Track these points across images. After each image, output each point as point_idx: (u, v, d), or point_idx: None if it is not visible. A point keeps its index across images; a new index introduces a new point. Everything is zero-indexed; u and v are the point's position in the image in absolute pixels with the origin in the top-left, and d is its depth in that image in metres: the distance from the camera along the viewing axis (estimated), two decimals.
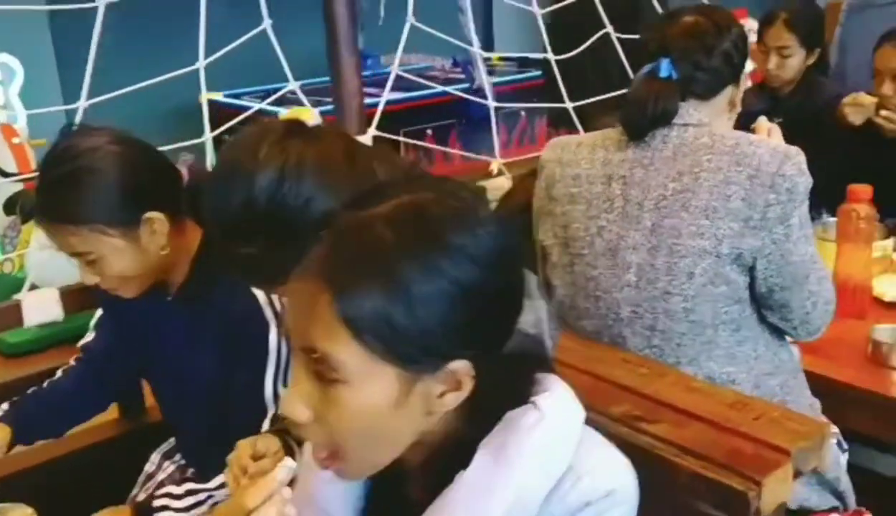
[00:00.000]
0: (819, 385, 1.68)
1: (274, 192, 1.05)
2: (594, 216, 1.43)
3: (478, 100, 3.19)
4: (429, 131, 4.23)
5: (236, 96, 4.37)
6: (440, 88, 3.62)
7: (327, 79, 2.44)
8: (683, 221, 1.34)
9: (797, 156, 1.34)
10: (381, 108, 2.74)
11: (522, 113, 4.58)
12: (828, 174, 2.16)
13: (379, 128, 3.08)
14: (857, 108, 2.32)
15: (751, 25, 2.82)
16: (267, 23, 2.45)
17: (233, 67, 2.78)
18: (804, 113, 2.59)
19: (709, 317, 1.36)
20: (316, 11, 2.35)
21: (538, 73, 4.55)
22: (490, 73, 4.71)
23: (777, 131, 1.61)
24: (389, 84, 2.91)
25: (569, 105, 2.94)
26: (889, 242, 2.10)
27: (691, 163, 1.36)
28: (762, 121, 1.64)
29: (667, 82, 1.40)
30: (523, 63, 4.93)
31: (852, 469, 1.75)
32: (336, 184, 1.05)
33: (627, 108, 1.42)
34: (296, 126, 1.11)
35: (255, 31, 2.46)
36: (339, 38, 2.26)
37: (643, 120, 1.40)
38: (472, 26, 4.01)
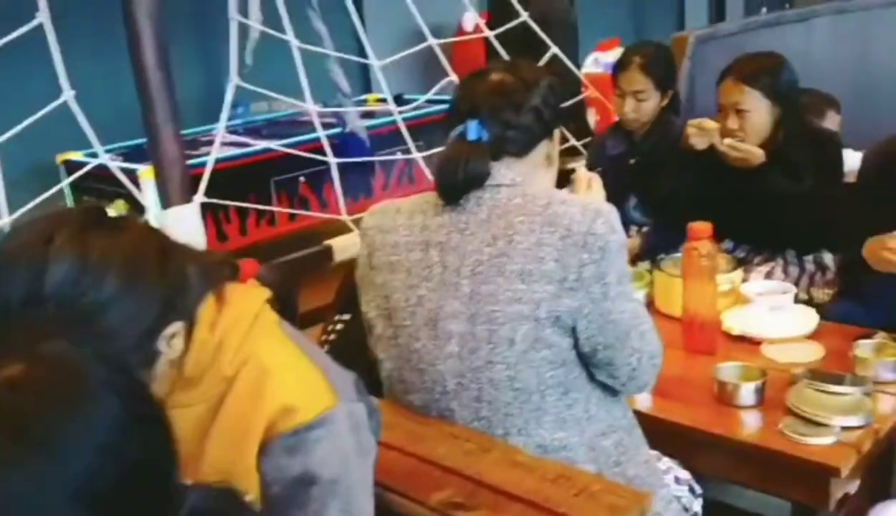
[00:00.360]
0: (667, 429, 1.67)
1: (69, 289, 0.90)
2: (414, 285, 1.37)
3: (319, 157, 3.19)
4: (301, 178, 4.15)
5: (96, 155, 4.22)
6: (306, 136, 3.62)
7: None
8: (500, 287, 1.30)
9: (609, 213, 1.32)
10: (209, 168, 2.65)
11: (399, 154, 4.59)
12: (688, 207, 2.19)
13: (248, 178, 2.94)
14: (701, 132, 2.34)
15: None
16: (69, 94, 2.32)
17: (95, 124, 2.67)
18: (659, 153, 2.63)
19: (534, 384, 1.31)
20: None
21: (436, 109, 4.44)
22: (370, 115, 4.66)
23: (597, 180, 1.59)
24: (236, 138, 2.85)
25: (417, 156, 2.95)
26: (736, 274, 2.12)
27: (505, 225, 1.32)
28: (581, 171, 1.61)
29: (476, 144, 1.35)
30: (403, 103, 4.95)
31: (715, 506, 1.75)
32: (144, 287, 0.95)
33: (439, 171, 1.38)
34: (96, 215, 0.98)
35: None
36: (154, 105, 2.10)
37: (455, 183, 1.35)
38: (338, 70, 3.97)
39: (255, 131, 4.63)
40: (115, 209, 3.63)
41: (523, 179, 1.38)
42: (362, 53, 3.77)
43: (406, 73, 5.93)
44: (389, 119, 4.43)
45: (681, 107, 2.94)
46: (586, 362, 1.35)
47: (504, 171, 1.37)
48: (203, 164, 2.92)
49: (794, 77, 2.31)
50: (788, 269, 2.37)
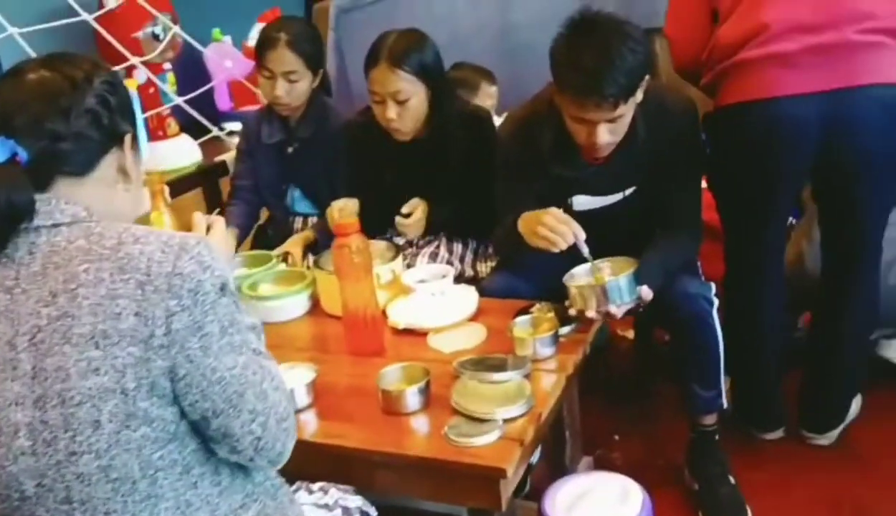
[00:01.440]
0: (335, 454, 1.49)
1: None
2: None
3: None
4: None
5: None
6: None
7: None
8: (69, 357, 1.01)
9: (197, 246, 1.07)
10: None
11: None
12: (368, 199, 2.07)
13: None
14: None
15: None
16: None
17: None
18: (319, 140, 2.45)
19: (136, 470, 1.05)
20: None
21: None
22: None
23: (219, 222, 1.36)
24: None
25: None
26: (396, 263, 1.99)
27: (66, 277, 1.03)
28: (196, 215, 1.38)
29: (8, 167, 1.04)
30: None
31: None
32: None
33: None
34: None
35: None
36: None
37: None
38: None
39: None
40: None
41: (92, 207, 1.10)
42: None
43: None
44: None
45: (331, 86, 2.77)
46: (202, 434, 1.10)
47: (62, 205, 1.07)
48: None
49: (437, 52, 2.21)
50: (453, 247, 2.30)
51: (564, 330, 1.73)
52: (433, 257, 2.26)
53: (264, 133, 2.53)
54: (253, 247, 2.61)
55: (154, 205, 1.91)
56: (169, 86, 3.30)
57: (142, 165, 1.22)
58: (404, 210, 2.23)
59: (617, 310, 1.74)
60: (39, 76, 1.10)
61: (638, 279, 1.75)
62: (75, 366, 1.01)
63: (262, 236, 2.69)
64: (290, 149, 2.51)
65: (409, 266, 2.14)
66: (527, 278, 1.97)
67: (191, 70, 3.59)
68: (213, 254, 1.08)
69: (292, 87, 2.39)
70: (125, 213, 1.18)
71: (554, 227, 1.76)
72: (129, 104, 1.19)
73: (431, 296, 1.87)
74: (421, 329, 1.81)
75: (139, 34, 3.24)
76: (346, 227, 1.74)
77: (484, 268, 2.27)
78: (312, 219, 2.56)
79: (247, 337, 1.11)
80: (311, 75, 2.42)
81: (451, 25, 2.95)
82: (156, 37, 3.25)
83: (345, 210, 1.95)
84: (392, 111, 2.13)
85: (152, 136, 3.12)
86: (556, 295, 1.80)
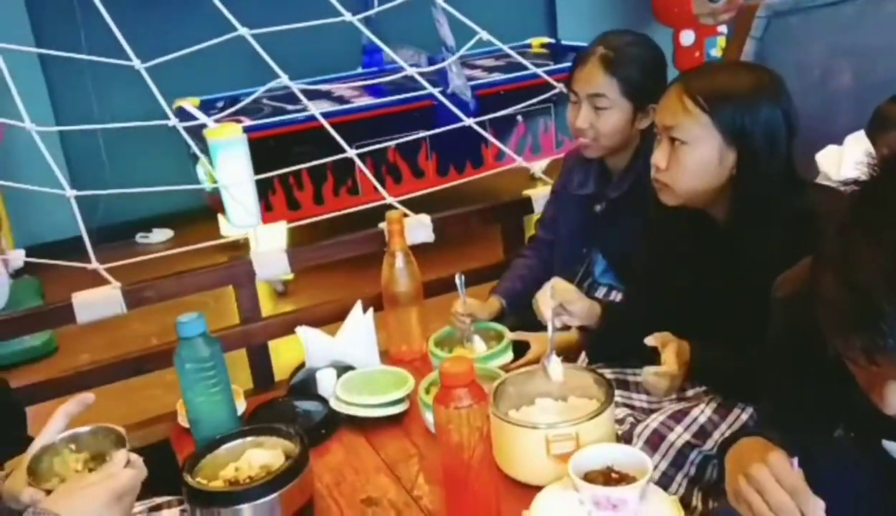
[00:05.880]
0: None
1: None
2: None
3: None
4: (391, 144, 3.67)
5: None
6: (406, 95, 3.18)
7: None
8: None
9: None
10: None
11: (519, 118, 4.03)
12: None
13: (327, 141, 2.49)
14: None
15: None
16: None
17: None
18: (634, 198, 1.87)
19: None
20: None
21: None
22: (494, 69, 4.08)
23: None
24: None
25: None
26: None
27: None
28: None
29: None
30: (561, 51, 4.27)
31: None
32: None
33: None
34: None
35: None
36: None
37: None
38: (443, 21, 3.54)
39: (360, 88, 4.25)
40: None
41: None
42: None
43: (600, 13, 5.14)
44: (504, 78, 3.91)
45: None
46: None
47: None
48: (292, 123, 2.51)
49: None
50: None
51: None
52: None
53: (576, 179, 2.08)
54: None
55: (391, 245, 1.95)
56: (717, 50, 3.00)
57: None
58: (650, 341, 1.57)
59: None
60: None
61: None
62: None
63: None
64: (598, 207, 2.01)
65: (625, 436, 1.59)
66: None
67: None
68: None
69: (598, 116, 1.88)
70: None
71: (774, 499, 1.04)
72: None
73: None
74: None
75: None
76: (459, 378, 1.31)
77: None
78: (615, 294, 2.02)
79: None
80: (631, 109, 1.87)
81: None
82: None
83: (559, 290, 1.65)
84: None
85: None
86: None
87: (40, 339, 3.64)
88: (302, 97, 2.52)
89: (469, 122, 2.63)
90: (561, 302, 1.64)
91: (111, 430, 1.36)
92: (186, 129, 2.43)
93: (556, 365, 1.57)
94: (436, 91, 2.73)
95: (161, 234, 5.17)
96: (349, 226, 2.31)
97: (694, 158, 1.49)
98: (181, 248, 2.39)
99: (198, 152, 3.06)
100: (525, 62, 2.77)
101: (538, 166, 3.09)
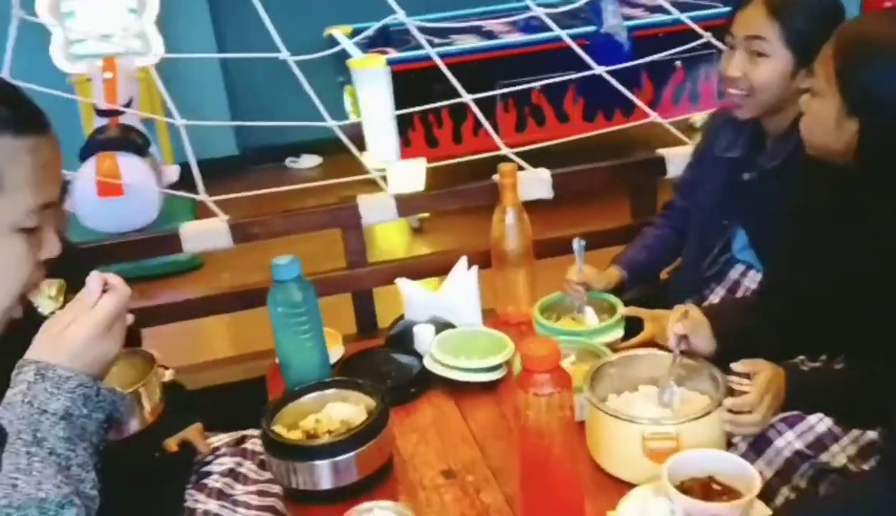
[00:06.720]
0: None
1: None
2: None
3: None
4: (536, 85, 3.48)
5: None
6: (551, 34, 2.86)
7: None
8: None
9: None
10: None
11: (677, 63, 3.76)
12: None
13: (469, 77, 2.42)
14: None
15: None
16: None
17: None
18: (788, 170, 1.67)
19: None
20: None
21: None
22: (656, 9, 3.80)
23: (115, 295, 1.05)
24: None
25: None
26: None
27: None
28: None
29: None
30: None
31: None
32: None
33: None
34: None
35: None
36: None
37: None
38: None
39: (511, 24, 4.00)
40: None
41: None
42: None
43: None
44: (662, 19, 3.65)
45: None
46: None
47: None
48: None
49: None
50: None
51: None
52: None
53: (724, 140, 1.84)
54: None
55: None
56: None
57: None
58: (738, 367, 1.37)
59: None
60: None
61: None
62: None
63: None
64: (746, 176, 1.78)
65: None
66: None
67: None
68: None
69: (753, 64, 1.66)
70: None
71: None
72: None
73: None
74: None
75: None
76: (541, 362, 1.17)
77: None
78: (754, 274, 1.83)
79: None
80: (792, 61, 1.64)
81: None
82: None
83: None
84: None
85: None
86: None
87: (186, 254, 3.81)
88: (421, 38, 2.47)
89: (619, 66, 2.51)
90: (687, 333, 1.42)
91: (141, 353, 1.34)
92: (336, 57, 2.42)
93: (671, 395, 1.40)
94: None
95: (309, 160, 5.27)
96: (487, 170, 2.13)
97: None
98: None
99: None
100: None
101: (699, 117, 2.81)
